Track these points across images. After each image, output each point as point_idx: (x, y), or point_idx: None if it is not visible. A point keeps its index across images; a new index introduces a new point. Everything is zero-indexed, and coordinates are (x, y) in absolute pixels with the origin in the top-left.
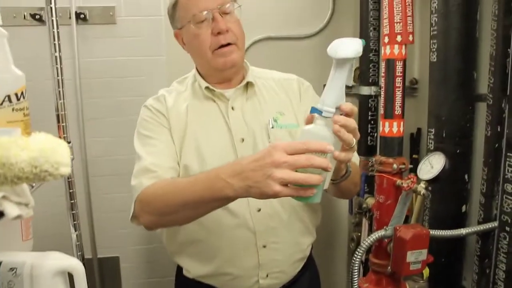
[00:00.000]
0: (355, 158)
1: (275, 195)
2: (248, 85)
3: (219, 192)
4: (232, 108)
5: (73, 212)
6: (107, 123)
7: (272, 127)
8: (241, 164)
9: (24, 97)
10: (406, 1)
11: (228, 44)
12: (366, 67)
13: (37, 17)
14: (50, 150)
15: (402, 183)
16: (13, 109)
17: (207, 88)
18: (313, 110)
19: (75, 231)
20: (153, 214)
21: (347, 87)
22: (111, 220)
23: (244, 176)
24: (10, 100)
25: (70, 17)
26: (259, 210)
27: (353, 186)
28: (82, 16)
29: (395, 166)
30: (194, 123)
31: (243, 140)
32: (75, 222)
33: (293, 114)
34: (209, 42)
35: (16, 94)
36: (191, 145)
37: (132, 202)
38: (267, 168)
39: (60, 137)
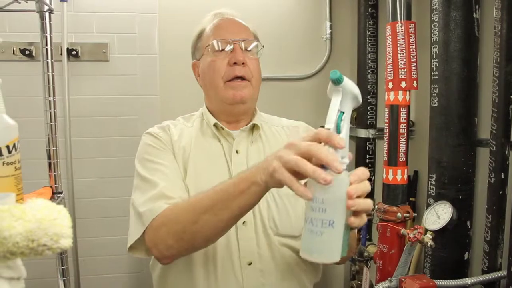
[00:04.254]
0: None
1: (274, 171)
2: (254, 127)
3: (248, 180)
4: (237, 152)
5: (61, 256)
6: (95, 163)
7: None
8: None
9: (16, 150)
10: (411, 47)
11: (243, 78)
12: (363, 110)
13: (26, 52)
14: (49, 220)
15: (408, 234)
16: (3, 163)
17: (215, 125)
18: None
19: (63, 277)
20: (171, 235)
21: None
22: (97, 264)
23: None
24: (0, 154)
25: (61, 53)
26: (250, 263)
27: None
28: (73, 52)
29: (399, 215)
30: (196, 161)
31: None
32: (63, 267)
33: None
34: (223, 71)
35: (8, 147)
36: (190, 184)
37: (136, 230)
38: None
39: (51, 186)
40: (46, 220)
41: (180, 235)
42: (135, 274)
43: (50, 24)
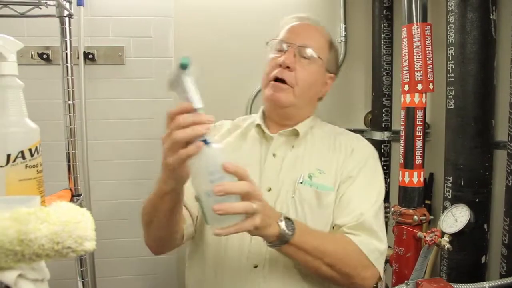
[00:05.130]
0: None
1: (171, 163)
2: (298, 134)
3: (161, 191)
4: (274, 155)
5: (80, 258)
6: (111, 165)
7: (301, 183)
8: None
9: (38, 153)
10: (427, 49)
11: (284, 81)
12: (378, 112)
13: (44, 56)
14: (73, 223)
15: (425, 237)
16: (26, 166)
17: (258, 126)
18: None
19: (82, 278)
20: (143, 228)
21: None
22: (112, 266)
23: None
24: (23, 157)
25: (78, 57)
26: (256, 266)
27: (328, 268)
28: (90, 56)
29: (416, 217)
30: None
31: (270, 189)
32: (82, 269)
33: (333, 174)
34: (271, 71)
35: (30, 150)
36: None
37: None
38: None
39: (70, 188)
40: (70, 222)
41: (146, 228)
42: (148, 276)
43: (69, 28)
